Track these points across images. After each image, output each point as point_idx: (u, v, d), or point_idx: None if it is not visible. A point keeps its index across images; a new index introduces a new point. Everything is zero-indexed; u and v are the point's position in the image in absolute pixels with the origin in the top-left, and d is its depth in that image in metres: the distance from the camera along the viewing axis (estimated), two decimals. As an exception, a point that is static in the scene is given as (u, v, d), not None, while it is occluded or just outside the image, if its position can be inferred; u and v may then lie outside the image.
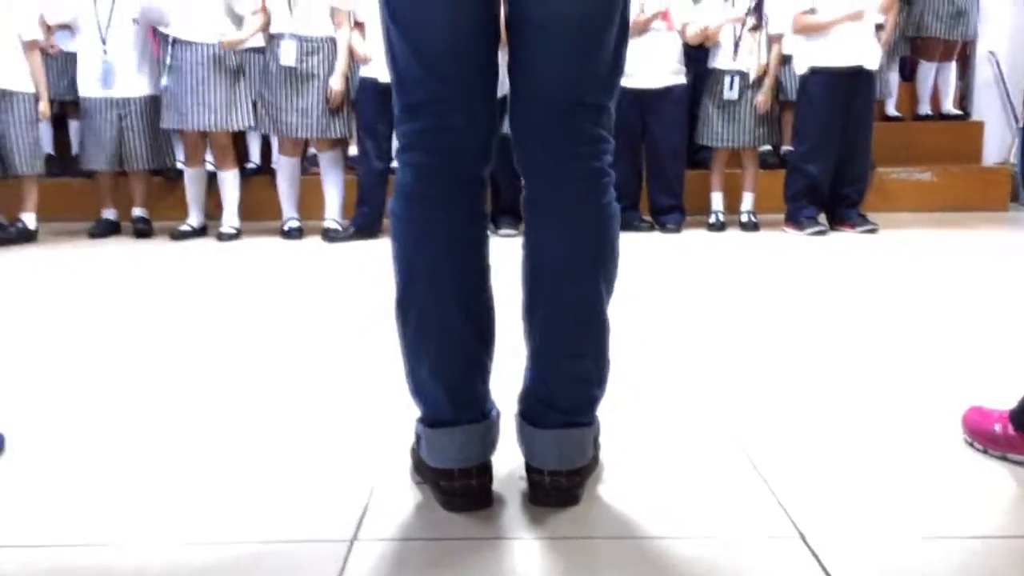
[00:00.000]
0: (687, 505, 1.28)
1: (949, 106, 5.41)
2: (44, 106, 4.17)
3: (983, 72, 5.46)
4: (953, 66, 5.35)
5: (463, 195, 1.24)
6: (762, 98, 4.15)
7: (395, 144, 1.50)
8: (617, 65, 1.25)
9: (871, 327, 2.38)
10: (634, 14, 4.02)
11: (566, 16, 1.19)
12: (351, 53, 4.07)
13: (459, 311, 1.22)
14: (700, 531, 1.20)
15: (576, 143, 1.22)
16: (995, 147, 5.42)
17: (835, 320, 2.48)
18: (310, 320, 2.60)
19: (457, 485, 1.26)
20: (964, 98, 5.57)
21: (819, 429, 1.59)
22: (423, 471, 1.32)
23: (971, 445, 1.47)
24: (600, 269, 1.24)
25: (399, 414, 1.44)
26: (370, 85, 4.05)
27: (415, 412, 1.30)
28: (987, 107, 5.47)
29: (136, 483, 1.39)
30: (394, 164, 4.30)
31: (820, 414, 1.67)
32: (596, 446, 1.34)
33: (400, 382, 1.30)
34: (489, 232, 1.29)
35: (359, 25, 4.08)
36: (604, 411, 1.32)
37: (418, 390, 1.27)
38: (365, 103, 4.11)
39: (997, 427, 1.43)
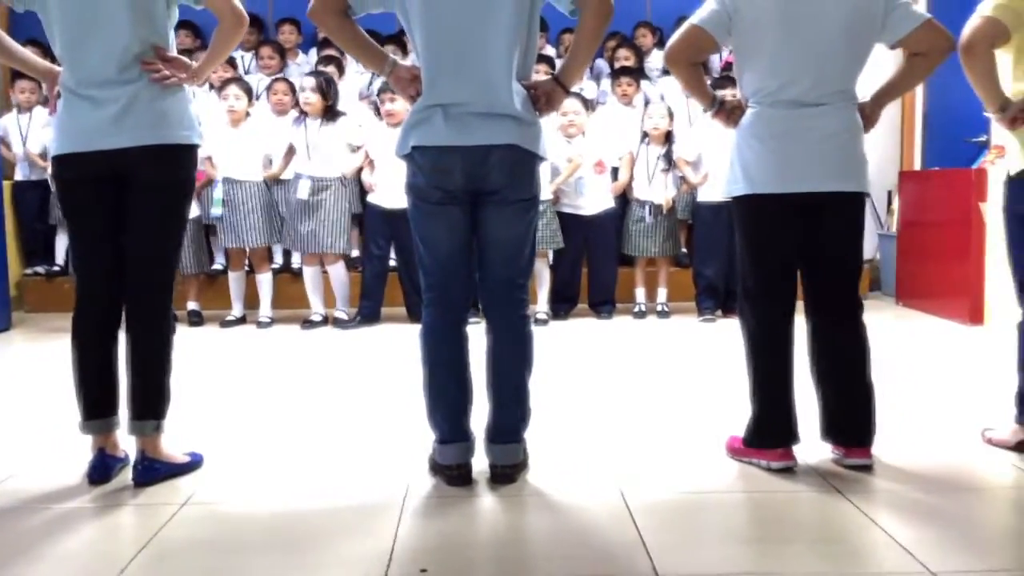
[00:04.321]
0: (570, 481, 2.54)
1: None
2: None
3: (855, 188, 6.87)
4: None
5: (457, 326, 2.52)
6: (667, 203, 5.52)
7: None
8: (530, 262, 2.55)
9: (724, 390, 3.65)
10: (574, 164, 5.39)
11: (502, 240, 2.48)
12: (360, 182, 5.36)
13: (457, 386, 2.49)
14: (580, 493, 2.46)
15: (511, 303, 2.52)
16: (865, 246, 6.81)
17: (702, 384, 3.76)
18: (346, 384, 3.84)
19: (455, 474, 2.51)
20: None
21: (656, 443, 2.86)
22: (436, 467, 2.57)
23: (729, 456, 2.74)
24: (524, 364, 2.53)
25: (422, 438, 2.68)
26: (375, 209, 5.34)
27: (431, 436, 2.56)
28: (858, 215, 6.87)
29: (268, 467, 2.63)
30: (392, 263, 5.57)
31: (663, 438, 2.94)
32: (525, 453, 2.59)
33: (421, 420, 2.56)
34: None
35: (371, 162, 5.36)
36: (531, 434, 2.59)
37: (434, 424, 2.53)
38: (370, 222, 5.39)
39: (736, 444, 2.71)
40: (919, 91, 6.69)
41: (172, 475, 2.59)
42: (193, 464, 2.67)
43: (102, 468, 2.57)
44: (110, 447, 2.60)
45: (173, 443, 2.67)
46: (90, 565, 2.10)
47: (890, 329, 5.27)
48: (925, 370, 4.14)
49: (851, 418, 2.61)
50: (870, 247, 6.83)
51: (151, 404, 2.54)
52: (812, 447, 2.67)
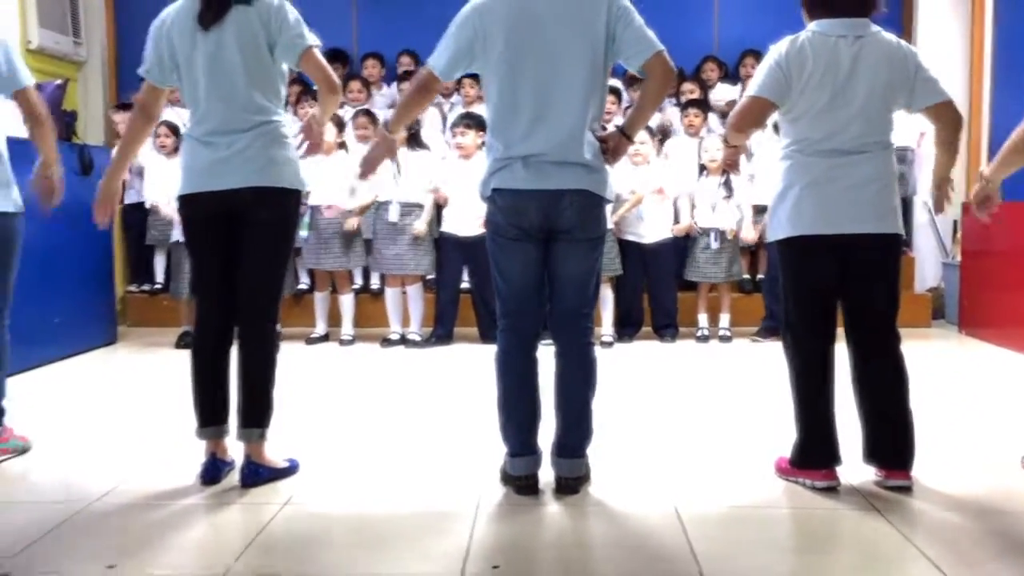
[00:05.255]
0: (628, 493, 2.80)
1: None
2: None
3: (920, 217, 6.98)
4: (895, 213, 6.84)
5: (529, 351, 2.80)
6: (743, 235, 5.75)
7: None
8: (596, 293, 2.82)
9: (777, 412, 3.85)
10: (636, 196, 5.63)
11: (571, 275, 2.76)
12: (435, 201, 5.68)
13: (527, 405, 2.77)
14: (637, 504, 2.72)
15: (578, 330, 2.79)
16: (929, 275, 6.92)
17: (757, 406, 3.97)
18: (424, 399, 4.15)
19: (523, 484, 2.79)
20: (906, 238, 7.08)
21: (710, 460, 3.10)
22: (507, 478, 2.85)
23: (777, 475, 2.97)
24: (589, 386, 2.80)
25: (495, 450, 2.96)
26: (450, 237, 5.68)
27: (503, 449, 2.84)
28: (924, 244, 6.98)
29: (357, 473, 2.94)
30: (465, 284, 5.91)
31: (716, 455, 3.18)
32: (588, 467, 2.86)
33: (493, 434, 2.85)
34: None
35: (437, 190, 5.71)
36: (593, 450, 2.85)
37: (506, 438, 2.82)
38: (444, 250, 5.73)
39: (783, 464, 2.93)
40: (985, 124, 6.78)
41: (274, 478, 2.92)
42: (291, 469, 3.00)
43: (213, 470, 2.91)
44: (220, 452, 2.94)
45: (274, 450, 3.00)
46: (208, 554, 2.44)
47: (950, 357, 5.39)
48: (978, 398, 4.28)
49: (891, 442, 2.81)
50: (934, 275, 6.92)
51: (257, 414, 2.88)
52: (856, 469, 2.88)
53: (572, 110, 2.65)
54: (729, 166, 2.98)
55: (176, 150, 6.14)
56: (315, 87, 3.04)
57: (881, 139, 2.77)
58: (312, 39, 2.86)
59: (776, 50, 2.82)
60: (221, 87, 2.82)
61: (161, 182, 5.84)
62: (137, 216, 6.52)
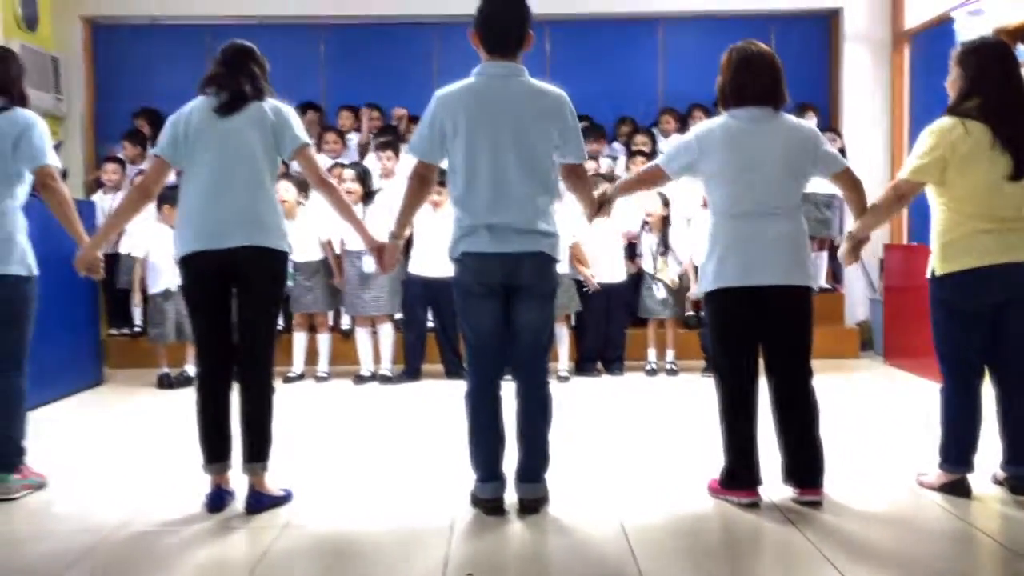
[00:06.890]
0: (581, 511, 3.25)
1: (822, 282, 7.41)
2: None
3: (850, 256, 7.57)
4: (824, 255, 7.41)
5: (494, 389, 3.25)
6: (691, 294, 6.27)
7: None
8: (551, 340, 3.30)
9: (714, 439, 4.32)
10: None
11: (529, 323, 3.22)
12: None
13: (493, 436, 3.23)
14: (589, 520, 3.17)
15: (535, 370, 3.25)
16: (859, 310, 7.50)
17: (695, 433, 4.43)
18: (399, 431, 4.56)
19: (491, 506, 3.23)
20: (836, 274, 7.66)
21: (651, 482, 3.56)
22: (476, 501, 3.28)
23: (709, 494, 3.43)
24: (546, 419, 3.25)
25: (465, 476, 3.39)
26: (416, 279, 6.12)
27: (472, 476, 3.28)
28: (854, 281, 7.57)
29: (345, 499, 3.36)
30: (430, 324, 6.34)
31: (656, 477, 3.64)
32: (546, 490, 3.30)
33: (463, 462, 3.28)
34: None
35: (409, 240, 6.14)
36: (551, 474, 3.30)
37: (475, 466, 3.26)
38: (410, 291, 6.17)
39: (714, 484, 3.40)
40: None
41: (274, 505, 3.33)
42: (287, 497, 3.40)
43: (219, 500, 3.31)
44: (224, 483, 3.35)
45: (271, 480, 3.40)
46: (224, 571, 2.83)
47: (872, 385, 5.94)
48: (890, 423, 4.80)
49: (804, 464, 3.29)
50: (864, 310, 7.50)
51: (260, 450, 3.29)
52: (776, 488, 3.35)
53: (525, 188, 3.14)
54: (599, 211, 3.51)
55: (118, 188, 6.65)
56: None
57: (788, 203, 3.26)
58: (307, 137, 3.33)
59: (694, 130, 3.36)
60: (230, 155, 3.25)
61: (140, 236, 6.28)
62: (109, 263, 6.85)
